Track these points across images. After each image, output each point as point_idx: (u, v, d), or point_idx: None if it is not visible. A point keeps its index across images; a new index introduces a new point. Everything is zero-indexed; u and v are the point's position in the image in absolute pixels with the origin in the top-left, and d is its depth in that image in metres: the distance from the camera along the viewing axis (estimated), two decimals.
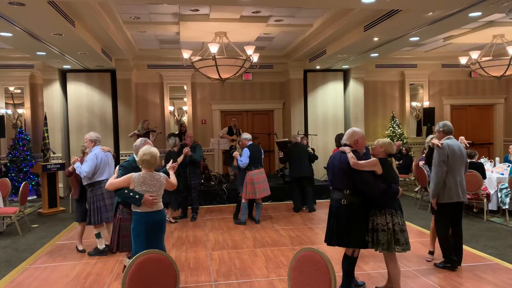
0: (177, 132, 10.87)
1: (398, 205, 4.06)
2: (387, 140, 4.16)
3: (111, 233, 4.64)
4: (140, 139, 4.58)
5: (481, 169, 7.35)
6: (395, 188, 3.96)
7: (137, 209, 3.91)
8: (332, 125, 11.75)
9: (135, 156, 4.33)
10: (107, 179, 5.51)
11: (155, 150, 3.95)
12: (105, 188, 5.44)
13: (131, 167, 4.19)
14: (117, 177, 4.03)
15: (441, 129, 4.99)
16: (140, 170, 3.96)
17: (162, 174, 4.05)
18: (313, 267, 2.70)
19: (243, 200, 7.41)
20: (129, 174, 3.92)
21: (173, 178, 4.15)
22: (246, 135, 7.62)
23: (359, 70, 11.90)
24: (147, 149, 3.92)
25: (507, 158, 8.82)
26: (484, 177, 7.39)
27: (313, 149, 8.78)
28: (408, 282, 4.58)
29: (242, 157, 7.27)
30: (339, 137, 7.06)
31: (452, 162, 4.80)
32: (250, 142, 7.47)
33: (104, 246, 5.81)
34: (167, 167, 4.23)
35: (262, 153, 7.62)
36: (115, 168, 5.67)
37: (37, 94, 11.19)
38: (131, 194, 3.86)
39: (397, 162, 4.27)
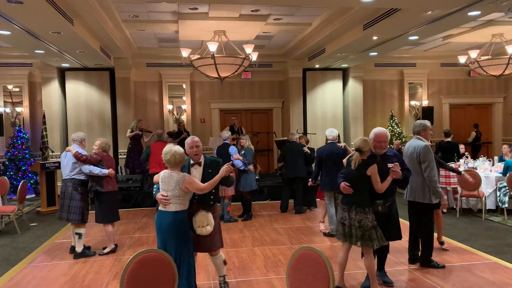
0: (176, 131, 10.89)
1: (345, 200, 4.21)
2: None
3: None
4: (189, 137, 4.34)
5: (455, 149, 7.55)
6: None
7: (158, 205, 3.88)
8: (331, 124, 11.71)
9: None
10: (68, 178, 5.65)
11: (174, 150, 3.78)
12: (65, 187, 5.63)
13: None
14: None
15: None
16: (186, 168, 3.99)
17: (182, 174, 3.80)
18: (312, 266, 2.70)
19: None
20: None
21: (211, 181, 3.84)
22: (222, 134, 8.05)
23: (358, 69, 11.91)
24: (167, 148, 3.82)
25: (502, 158, 8.83)
26: (459, 159, 7.68)
27: (312, 149, 8.41)
28: (405, 281, 4.59)
29: None
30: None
31: (407, 162, 4.97)
32: (225, 141, 7.79)
33: (72, 246, 5.86)
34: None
35: (232, 153, 7.44)
36: (77, 165, 5.60)
37: (36, 92, 11.17)
38: (154, 190, 3.91)
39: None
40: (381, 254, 4.48)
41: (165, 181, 3.78)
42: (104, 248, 5.85)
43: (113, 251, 5.81)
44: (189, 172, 4.02)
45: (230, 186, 4.39)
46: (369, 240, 4.04)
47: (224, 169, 3.90)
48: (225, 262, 4.35)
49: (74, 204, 5.60)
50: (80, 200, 5.63)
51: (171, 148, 3.80)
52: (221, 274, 4.36)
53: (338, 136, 6.89)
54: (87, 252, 5.70)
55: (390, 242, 4.38)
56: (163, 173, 3.83)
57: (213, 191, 4.03)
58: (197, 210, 3.97)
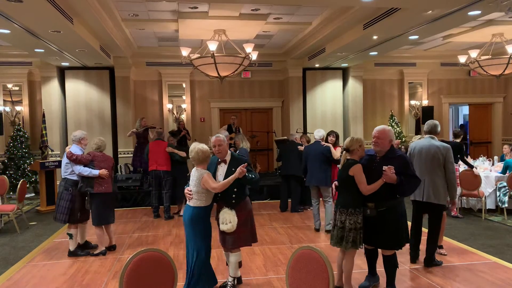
0: (176, 130, 10.86)
1: (336, 200, 4.21)
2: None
3: None
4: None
5: (458, 148, 7.29)
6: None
7: None
8: (331, 123, 11.72)
9: None
10: (62, 177, 5.64)
11: (198, 148, 3.96)
12: (59, 187, 5.64)
13: (212, 161, 4.24)
14: None
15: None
16: (214, 165, 4.17)
17: (203, 171, 3.96)
18: (311, 265, 2.70)
19: None
20: None
21: (224, 181, 3.95)
22: (220, 133, 8.12)
23: (358, 68, 11.90)
24: (192, 146, 4.03)
25: (503, 157, 8.83)
26: (462, 159, 7.32)
27: None
28: (406, 281, 4.58)
29: None
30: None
31: (417, 162, 4.94)
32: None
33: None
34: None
35: None
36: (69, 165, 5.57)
37: (35, 91, 11.16)
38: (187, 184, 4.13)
39: None
40: (370, 259, 4.39)
41: (191, 177, 4.02)
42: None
43: (102, 253, 5.64)
44: (215, 170, 4.14)
45: (253, 186, 4.30)
46: (352, 242, 3.94)
47: (237, 170, 3.94)
48: (240, 264, 4.38)
49: (63, 204, 5.51)
50: (69, 201, 5.51)
51: (196, 146, 3.99)
52: (231, 275, 4.35)
53: (337, 136, 7.04)
54: (78, 252, 5.65)
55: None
56: (193, 169, 4.07)
57: (235, 189, 4.07)
58: (221, 207, 4.14)
